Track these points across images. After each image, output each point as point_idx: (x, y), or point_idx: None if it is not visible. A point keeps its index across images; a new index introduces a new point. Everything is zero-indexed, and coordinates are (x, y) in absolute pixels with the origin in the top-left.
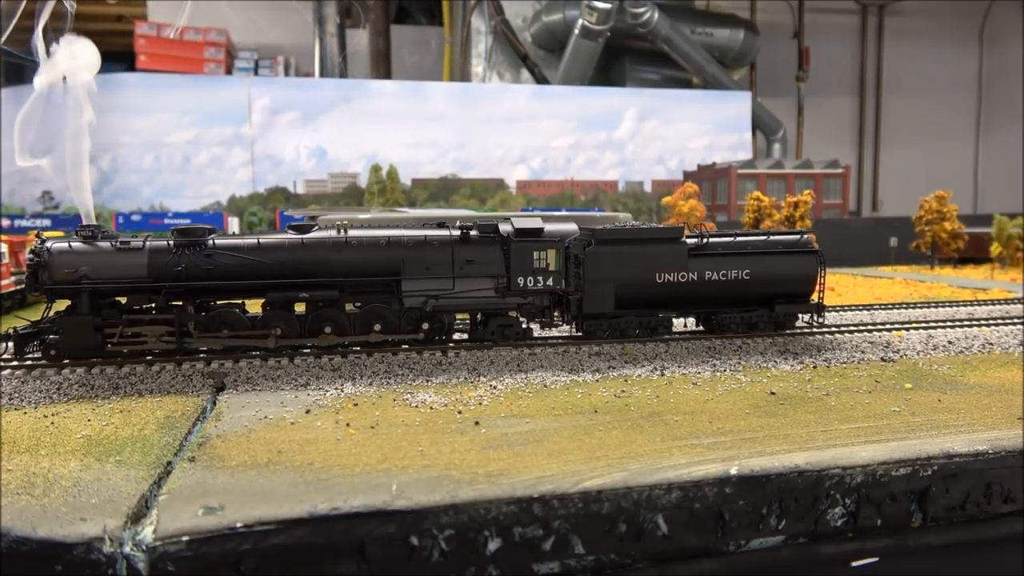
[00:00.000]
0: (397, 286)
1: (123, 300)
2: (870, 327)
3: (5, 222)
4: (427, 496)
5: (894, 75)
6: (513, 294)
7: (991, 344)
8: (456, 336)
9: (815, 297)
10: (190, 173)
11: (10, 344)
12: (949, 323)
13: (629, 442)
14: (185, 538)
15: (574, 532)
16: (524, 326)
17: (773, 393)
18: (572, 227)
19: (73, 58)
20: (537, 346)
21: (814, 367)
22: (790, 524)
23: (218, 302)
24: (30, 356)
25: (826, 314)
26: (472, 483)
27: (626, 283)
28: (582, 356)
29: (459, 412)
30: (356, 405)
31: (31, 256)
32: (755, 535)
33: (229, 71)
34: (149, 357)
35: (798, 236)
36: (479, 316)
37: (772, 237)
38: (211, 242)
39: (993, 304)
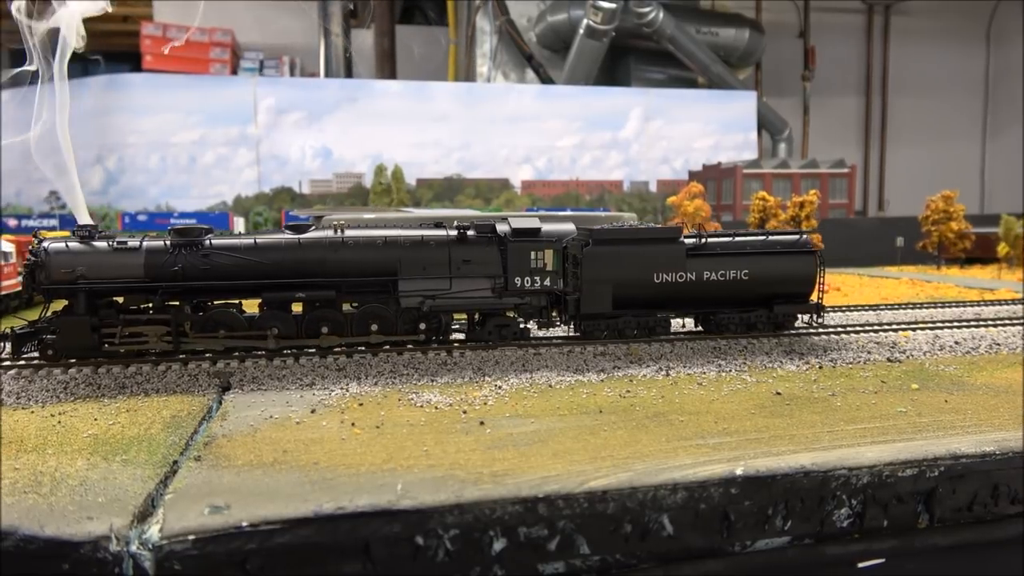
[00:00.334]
0: (394, 286)
1: (120, 300)
2: (876, 327)
3: (12, 222)
4: (432, 496)
5: (900, 75)
6: (510, 294)
7: (998, 344)
8: (453, 336)
9: (814, 297)
10: (196, 173)
11: (7, 344)
12: (956, 323)
13: (634, 442)
14: (191, 537)
15: (579, 532)
16: (522, 326)
17: (779, 393)
18: (570, 227)
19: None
20: (542, 346)
21: (820, 367)
22: (796, 525)
23: (215, 302)
24: (26, 356)
25: (830, 314)
26: (477, 483)
27: (624, 283)
28: (587, 356)
29: (464, 412)
30: (361, 405)
31: (28, 256)
32: (761, 536)
33: (235, 71)
34: (147, 357)
35: (797, 236)
36: (476, 316)
37: (771, 237)
38: (208, 242)
39: (1000, 304)
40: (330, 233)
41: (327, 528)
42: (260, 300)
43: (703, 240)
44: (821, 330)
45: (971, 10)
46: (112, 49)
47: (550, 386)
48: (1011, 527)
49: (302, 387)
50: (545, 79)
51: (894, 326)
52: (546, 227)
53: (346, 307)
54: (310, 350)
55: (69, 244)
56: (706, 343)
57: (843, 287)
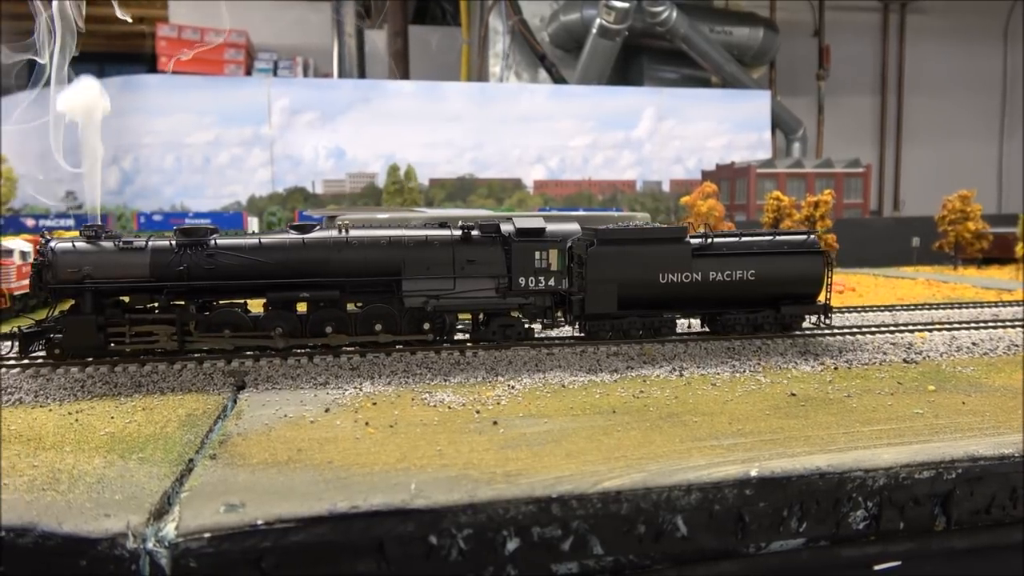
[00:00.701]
0: (398, 286)
1: (126, 299)
2: (892, 328)
3: (30, 222)
4: (446, 495)
5: (916, 73)
6: (514, 294)
7: (1016, 346)
8: (457, 337)
9: (822, 298)
10: (210, 173)
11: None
12: (973, 324)
13: (648, 443)
14: (207, 535)
15: (593, 533)
16: (526, 326)
17: (793, 394)
18: (574, 227)
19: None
20: (555, 346)
21: (835, 368)
22: (811, 526)
23: (220, 302)
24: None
25: (845, 315)
26: (490, 483)
27: (629, 283)
28: (599, 356)
29: (477, 412)
30: (375, 404)
31: (36, 256)
32: (776, 537)
33: (249, 72)
34: (154, 356)
35: (804, 236)
36: (481, 316)
37: (778, 237)
38: (213, 242)
39: (1018, 305)
40: (334, 233)
41: (341, 527)
42: (264, 300)
43: (709, 240)
44: (836, 331)
45: (988, 8)
46: (126, 50)
47: (563, 386)
48: None
49: (316, 386)
50: (558, 79)
51: (910, 327)
52: (550, 227)
53: (350, 307)
54: (320, 350)
55: (76, 244)
56: (720, 343)
57: (858, 287)
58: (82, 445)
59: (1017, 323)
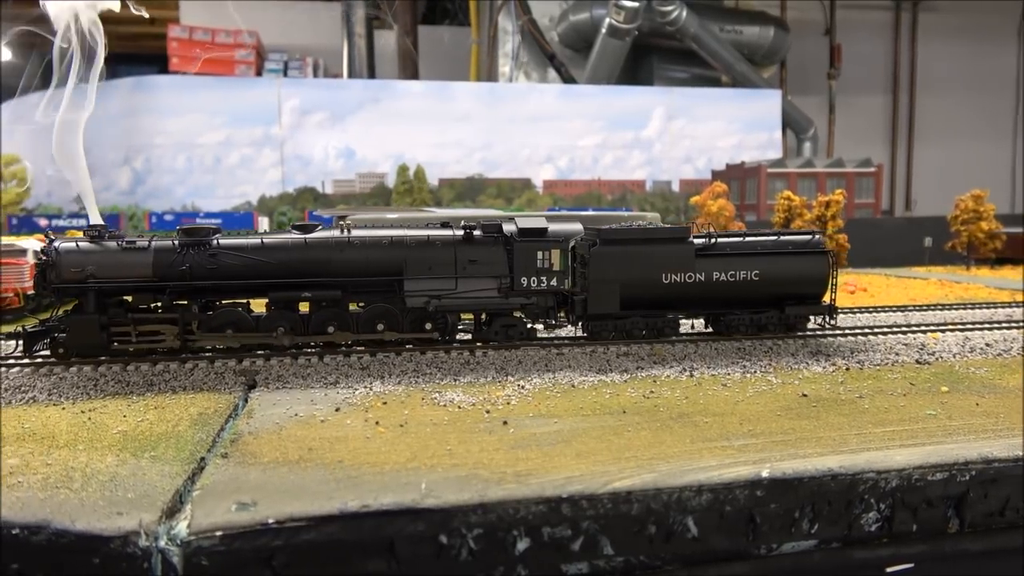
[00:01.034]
0: (400, 286)
1: (129, 299)
2: (904, 328)
3: (43, 222)
4: (456, 495)
5: (928, 72)
6: (517, 294)
7: None
8: (459, 336)
9: (827, 298)
10: (221, 173)
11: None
12: (987, 325)
13: (658, 443)
14: (218, 533)
15: (603, 533)
16: (529, 326)
17: (805, 395)
18: (577, 227)
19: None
20: (564, 346)
21: (847, 369)
22: (823, 528)
23: (223, 302)
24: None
25: (856, 315)
26: (501, 482)
27: (632, 283)
28: (609, 356)
29: (487, 411)
30: (385, 403)
31: (40, 256)
32: (787, 539)
33: (259, 72)
34: (158, 356)
35: (809, 236)
36: (483, 316)
37: (782, 237)
38: (215, 242)
39: None
40: (336, 233)
41: (352, 526)
42: (267, 300)
43: (712, 240)
44: (847, 331)
45: (1001, 7)
46: (139, 52)
47: (573, 386)
48: None
49: (326, 385)
50: (567, 79)
51: (923, 327)
52: (553, 227)
53: (352, 307)
54: (329, 350)
55: (79, 244)
56: (730, 344)
57: (870, 287)
58: (95, 443)
59: None
